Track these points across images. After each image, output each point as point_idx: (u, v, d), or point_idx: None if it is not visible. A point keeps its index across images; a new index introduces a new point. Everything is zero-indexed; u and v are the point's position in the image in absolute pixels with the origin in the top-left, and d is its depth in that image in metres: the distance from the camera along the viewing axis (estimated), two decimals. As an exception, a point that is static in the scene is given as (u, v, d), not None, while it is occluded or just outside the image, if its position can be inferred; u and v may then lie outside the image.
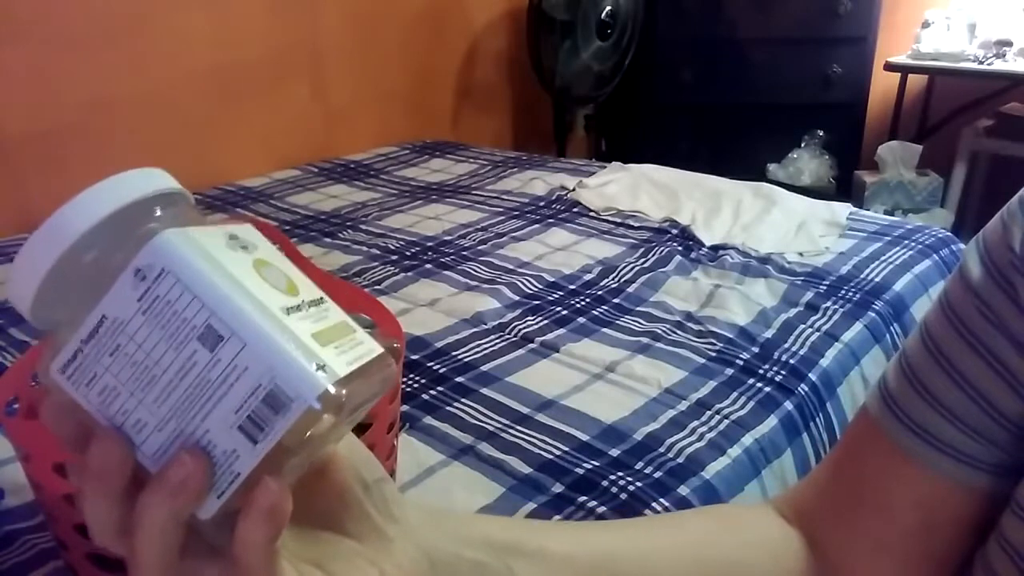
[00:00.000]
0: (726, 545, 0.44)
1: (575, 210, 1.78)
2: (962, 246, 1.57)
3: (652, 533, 0.43)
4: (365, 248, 1.58)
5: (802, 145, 2.92)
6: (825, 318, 1.25)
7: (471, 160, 2.25)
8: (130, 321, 0.26)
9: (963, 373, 0.39)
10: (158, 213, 0.29)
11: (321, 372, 0.26)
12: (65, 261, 0.27)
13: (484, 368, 1.10)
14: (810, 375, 1.11)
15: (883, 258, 1.47)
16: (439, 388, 1.05)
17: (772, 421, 1.01)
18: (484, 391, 1.05)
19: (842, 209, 1.68)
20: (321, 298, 0.30)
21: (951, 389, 0.39)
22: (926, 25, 2.70)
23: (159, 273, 0.26)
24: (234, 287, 0.27)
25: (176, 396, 0.26)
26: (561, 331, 1.21)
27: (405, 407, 1.00)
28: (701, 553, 0.43)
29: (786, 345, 1.17)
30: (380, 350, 0.30)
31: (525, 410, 1.00)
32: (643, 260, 1.47)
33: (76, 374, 0.27)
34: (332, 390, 0.26)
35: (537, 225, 1.69)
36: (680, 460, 0.91)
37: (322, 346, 0.27)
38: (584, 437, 0.94)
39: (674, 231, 1.62)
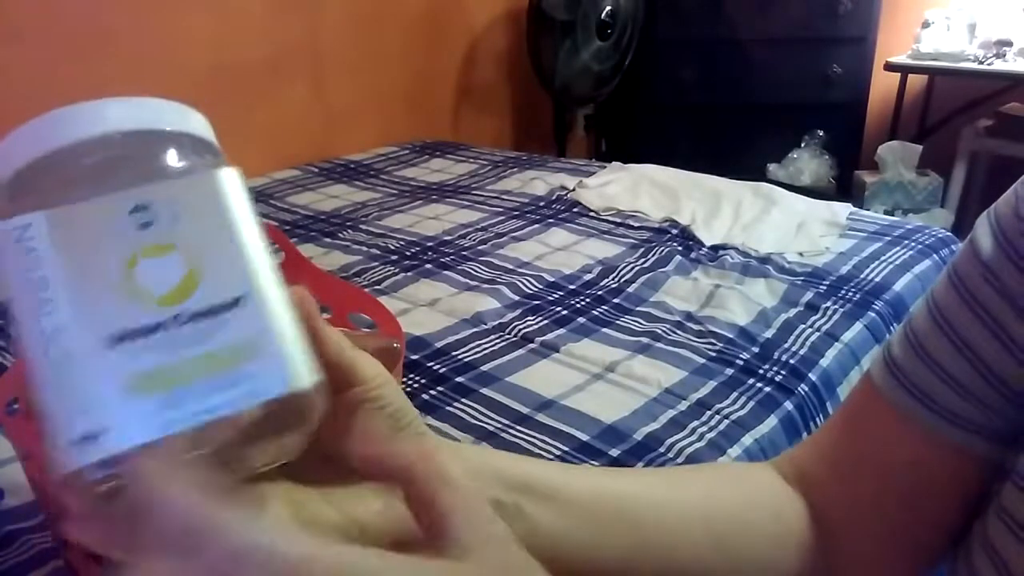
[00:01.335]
0: (731, 502, 0.44)
1: (575, 210, 1.78)
2: (962, 246, 1.57)
3: (663, 484, 0.43)
4: (365, 248, 1.58)
5: (802, 145, 2.92)
6: (825, 318, 1.25)
7: (471, 160, 2.25)
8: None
9: (966, 339, 0.40)
10: (155, 158, 0.25)
11: (85, 444, 0.21)
12: (56, 156, 0.24)
13: (484, 368, 1.10)
14: (810, 375, 1.11)
15: (883, 258, 1.47)
16: (439, 388, 1.05)
17: (772, 421, 1.01)
18: (484, 391, 1.05)
19: (842, 209, 1.68)
20: (233, 301, 0.24)
21: (953, 355, 0.40)
22: (926, 25, 2.70)
23: (12, 248, 0.23)
24: (53, 304, 0.22)
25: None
26: (561, 331, 1.21)
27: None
28: (708, 508, 0.43)
29: (786, 345, 1.17)
30: (268, 395, 0.24)
31: (525, 410, 1.00)
32: (643, 260, 1.47)
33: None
34: (84, 474, 0.21)
35: (537, 225, 1.69)
36: (680, 460, 0.91)
37: (137, 395, 0.22)
38: (584, 437, 0.94)
39: (674, 231, 1.62)
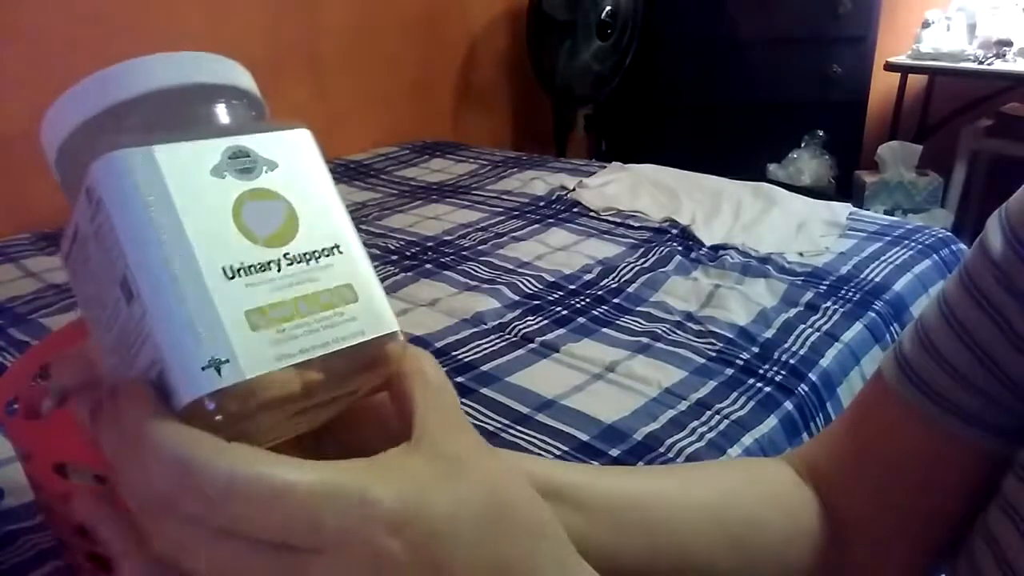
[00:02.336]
0: (746, 502, 0.44)
1: (575, 210, 1.78)
2: (962, 246, 1.57)
3: (680, 485, 0.44)
4: (365, 248, 1.58)
5: (802, 145, 2.92)
6: (825, 318, 1.25)
7: (471, 160, 2.25)
8: (88, 241, 0.24)
9: (975, 336, 0.40)
10: (201, 109, 0.26)
11: (211, 372, 0.22)
12: (95, 122, 0.25)
13: (484, 368, 1.10)
14: (810, 375, 1.11)
15: (883, 258, 1.47)
16: (439, 388, 1.05)
17: (772, 421, 1.01)
18: (484, 391, 1.05)
19: (842, 209, 1.68)
20: (331, 248, 0.26)
21: (962, 352, 0.40)
22: (926, 25, 2.70)
23: (98, 201, 0.23)
24: (169, 233, 0.23)
25: (113, 334, 0.24)
26: (561, 331, 1.21)
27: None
28: (724, 509, 0.43)
29: (786, 345, 1.17)
30: (369, 334, 0.25)
31: (525, 410, 1.00)
32: (643, 260, 1.47)
33: (71, 264, 0.26)
34: (207, 402, 0.22)
35: (537, 225, 1.69)
36: (680, 460, 0.91)
37: (253, 329, 0.23)
38: (584, 437, 0.94)
39: (674, 231, 1.62)
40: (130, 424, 0.22)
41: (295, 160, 0.26)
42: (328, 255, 0.25)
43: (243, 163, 0.25)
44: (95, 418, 0.23)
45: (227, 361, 0.22)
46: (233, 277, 0.23)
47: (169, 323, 0.22)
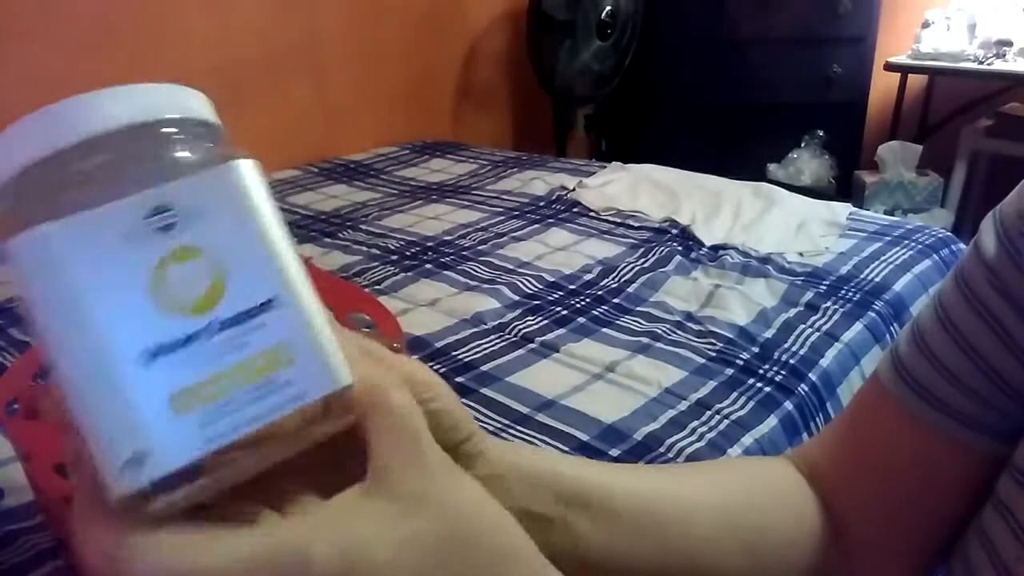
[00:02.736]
0: (758, 506, 0.45)
1: (575, 210, 1.78)
2: (962, 246, 1.57)
3: (695, 490, 0.44)
4: (365, 248, 1.58)
5: (802, 145, 2.92)
6: (825, 318, 1.25)
7: (471, 160, 2.25)
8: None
9: (969, 339, 0.40)
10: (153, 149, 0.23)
11: (133, 468, 0.21)
12: (61, 157, 0.22)
13: (484, 368, 1.10)
14: (810, 375, 1.11)
15: (883, 258, 1.47)
16: (439, 388, 1.05)
17: (772, 421, 1.01)
18: (484, 391, 1.05)
19: (842, 209, 1.68)
20: (266, 302, 0.23)
21: (956, 354, 0.41)
22: (926, 25, 2.70)
23: (18, 273, 0.21)
24: (78, 322, 0.21)
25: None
26: (561, 331, 1.21)
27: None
28: (737, 515, 0.43)
29: (786, 345, 1.17)
30: (310, 397, 0.23)
31: (525, 410, 1.00)
32: (643, 260, 1.47)
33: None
34: (134, 499, 0.21)
35: (537, 225, 1.69)
36: (680, 460, 0.91)
37: (178, 413, 0.21)
38: (584, 437, 0.94)
39: (674, 231, 1.62)
40: (75, 517, 0.22)
41: (224, 204, 0.23)
42: (262, 311, 0.23)
43: (164, 219, 0.22)
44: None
45: (149, 454, 0.21)
46: (154, 357, 0.21)
47: (86, 418, 0.21)
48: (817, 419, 1.07)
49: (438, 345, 1.17)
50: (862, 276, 1.40)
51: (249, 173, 0.24)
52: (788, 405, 1.04)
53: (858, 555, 0.45)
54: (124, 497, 0.21)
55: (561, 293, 1.35)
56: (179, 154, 0.24)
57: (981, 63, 2.58)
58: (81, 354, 0.21)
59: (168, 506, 0.21)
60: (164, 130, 0.24)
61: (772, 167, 2.92)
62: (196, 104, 0.26)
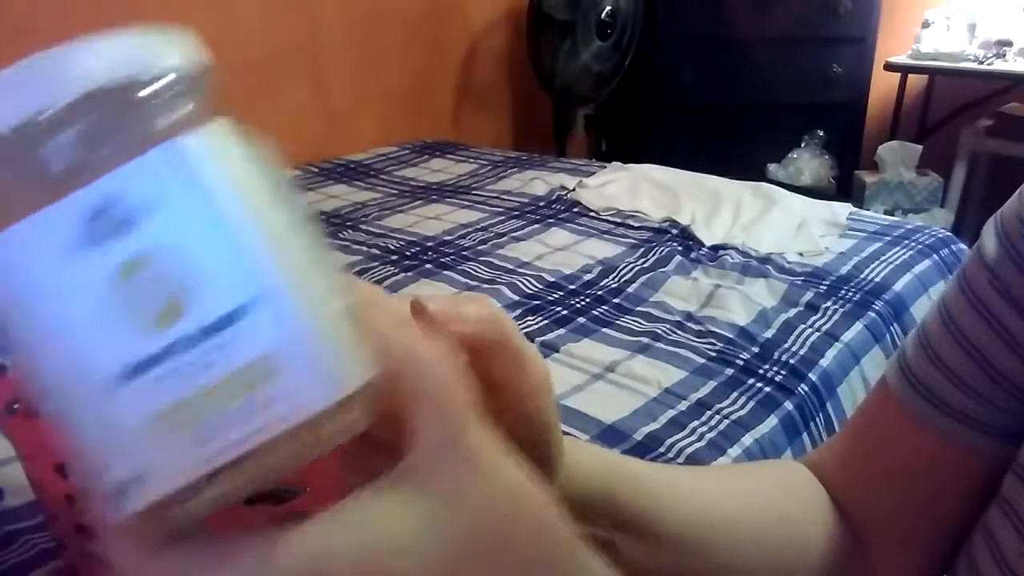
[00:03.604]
0: (794, 521, 0.45)
1: (575, 210, 1.78)
2: (962, 246, 1.57)
3: (737, 505, 0.44)
4: (365, 248, 1.58)
5: (802, 145, 2.92)
6: (825, 318, 1.25)
7: (471, 160, 2.25)
8: None
9: (973, 342, 0.41)
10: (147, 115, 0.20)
11: (122, 496, 0.19)
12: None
13: (484, 368, 1.10)
14: (810, 375, 1.11)
15: (883, 258, 1.47)
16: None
17: (772, 421, 1.01)
18: (484, 391, 1.04)
19: (842, 209, 1.68)
20: (245, 304, 0.19)
21: (961, 358, 0.41)
22: (926, 25, 2.70)
23: None
24: (31, 348, 0.19)
25: None
26: (561, 331, 1.21)
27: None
28: (775, 531, 0.44)
29: (786, 345, 1.17)
30: (308, 409, 0.20)
31: (525, 410, 1.00)
32: (643, 260, 1.47)
33: None
34: (128, 527, 0.20)
35: (537, 225, 1.69)
36: (680, 460, 0.91)
37: (160, 436, 0.19)
38: (584, 437, 0.94)
39: (674, 231, 1.62)
40: (101, 532, 0.22)
41: (187, 185, 0.19)
42: (241, 316, 0.19)
43: (111, 219, 0.19)
44: None
45: (137, 480, 0.19)
46: (133, 376, 0.19)
47: (71, 443, 0.20)
48: (817, 419, 1.07)
49: (438, 345, 1.16)
50: (862, 276, 1.40)
51: (211, 147, 0.20)
52: (788, 405, 1.04)
53: (872, 558, 0.45)
54: (115, 527, 0.20)
55: (561, 293, 1.35)
56: (127, 134, 0.20)
57: (981, 63, 2.58)
58: (56, 376, 0.19)
59: (178, 518, 0.20)
60: (107, 103, 0.19)
61: (772, 167, 2.92)
62: (162, 57, 0.22)
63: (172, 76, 0.21)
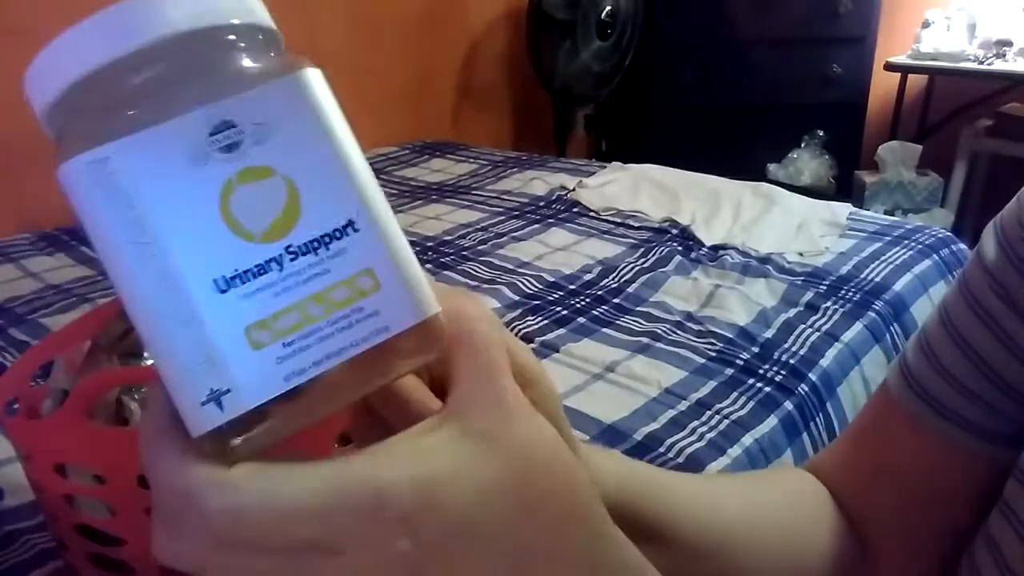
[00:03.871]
0: (807, 531, 0.45)
1: (575, 210, 1.78)
2: (962, 246, 1.57)
3: (750, 514, 0.44)
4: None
5: (802, 145, 2.92)
6: (825, 318, 1.25)
7: (471, 160, 2.25)
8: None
9: (973, 346, 0.41)
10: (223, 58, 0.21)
11: (212, 406, 0.20)
12: (110, 70, 0.20)
13: (484, 368, 1.10)
14: (810, 375, 1.11)
15: (883, 258, 1.47)
16: (439, 388, 1.05)
17: (772, 421, 1.01)
18: (484, 391, 1.04)
19: (842, 209, 1.68)
20: (344, 226, 0.21)
21: (962, 362, 0.41)
22: (926, 25, 2.70)
23: (91, 188, 0.20)
24: (143, 251, 0.20)
25: None
26: (561, 331, 1.21)
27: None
28: (788, 542, 0.44)
29: (786, 345, 1.17)
30: (395, 329, 0.21)
31: (525, 410, 1.00)
32: (643, 260, 1.47)
33: None
34: (213, 438, 0.20)
35: (537, 225, 1.69)
36: (680, 460, 0.91)
37: (255, 348, 0.20)
38: (584, 437, 0.94)
39: (674, 231, 1.62)
40: (144, 453, 0.22)
41: (293, 117, 0.21)
42: (341, 236, 0.21)
43: (228, 137, 0.20)
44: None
45: (228, 391, 0.20)
46: (227, 289, 0.20)
47: (160, 355, 0.20)
48: (817, 419, 1.07)
49: (438, 345, 1.16)
50: (862, 276, 1.40)
51: (319, 83, 0.23)
52: (788, 405, 1.04)
53: (876, 561, 0.45)
54: (203, 435, 0.20)
55: (561, 293, 1.35)
56: (244, 64, 0.22)
57: (981, 63, 2.58)
58: (152, 286, 0.20)
59: (244, 443, 0.20)
60: (227, 37, 0.22)
61: (772, 167, 2.92)
62: (259, 9, 0.24)
63: (272, 28, 0.24)
